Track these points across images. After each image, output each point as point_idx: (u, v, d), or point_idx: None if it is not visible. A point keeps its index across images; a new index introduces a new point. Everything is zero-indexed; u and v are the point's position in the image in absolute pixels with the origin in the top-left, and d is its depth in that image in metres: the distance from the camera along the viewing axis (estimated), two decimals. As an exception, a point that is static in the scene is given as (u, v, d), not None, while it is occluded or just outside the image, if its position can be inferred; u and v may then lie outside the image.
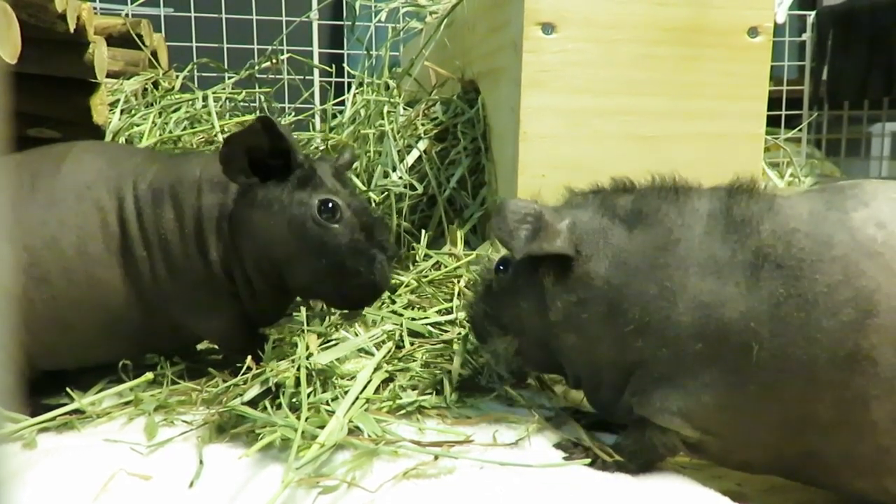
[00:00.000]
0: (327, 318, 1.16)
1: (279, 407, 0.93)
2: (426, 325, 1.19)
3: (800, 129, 2.80)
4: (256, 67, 2.17)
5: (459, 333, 1.17)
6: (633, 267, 0.85)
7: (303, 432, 0.85)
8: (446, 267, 1.46)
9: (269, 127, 1.09)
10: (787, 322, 0.77)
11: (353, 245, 1.12)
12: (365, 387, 0.99)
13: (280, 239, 1.11)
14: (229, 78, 2.16)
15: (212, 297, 1.16)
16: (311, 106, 2.41)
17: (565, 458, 0.90)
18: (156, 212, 1.13)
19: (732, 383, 0.80)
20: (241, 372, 1.05)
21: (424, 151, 1.69)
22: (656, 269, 0.84)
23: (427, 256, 1.52)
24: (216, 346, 1.33)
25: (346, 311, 1.20)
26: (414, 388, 1.05)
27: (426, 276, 1.41)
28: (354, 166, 1.71)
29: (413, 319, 1.20)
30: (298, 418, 0.88)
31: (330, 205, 1.11)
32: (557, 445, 0.94)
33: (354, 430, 0.89)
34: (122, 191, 1.14)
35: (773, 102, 1.92)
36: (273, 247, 1.12)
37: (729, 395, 0.81)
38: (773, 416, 0.80)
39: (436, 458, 0.85)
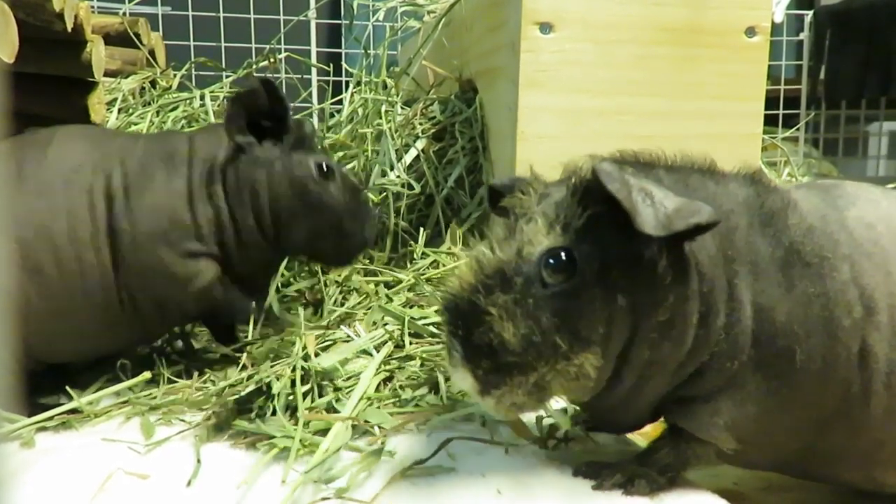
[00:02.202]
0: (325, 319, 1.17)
1: (275, 412, 0.93)
2: (426, 324, 1.19)
3: (797, 129, 2.81)
4: (254, 66, 2.17)
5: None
6: (711, 255, 0.73)
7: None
8: (444, 265, 1.46)
9: (270, 89, 1.15)
10: (816, 322, 0.74)
11: (347, 206, 1.22)
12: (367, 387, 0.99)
13: (284, 196, 1.18)
14: (227, 77, 2.16)
15: (194, 261, 1.16)
16: (309, 105, 2.40)
17: (594, 487, 0.80)
18: (145, 182, 1.14)
19: (769, 389, 0.75)
20: (239, 370, 1.05)
21: (422, 150, 1.69)
22: (727, 262, 0.73)
23: (424, 255, 1.53)
24: (207, 327, 1.34)
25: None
26: (412, 387, 1.05)
27: (424, 275, 1.41)
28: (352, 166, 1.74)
29: (413, 319, 1.19)
30: (297, 422, 0.88)
31: (326, 167, 1.21)
32: (577, 472, 0.83)
33: (357, 429, 0.89)
34: (108, 169, 1.14)
35: (771, 102, 1.92)
36: (277, 204, 1.18)
37: (765, 402, 0.76)
38: (791, 417, 0.77)
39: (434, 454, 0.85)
